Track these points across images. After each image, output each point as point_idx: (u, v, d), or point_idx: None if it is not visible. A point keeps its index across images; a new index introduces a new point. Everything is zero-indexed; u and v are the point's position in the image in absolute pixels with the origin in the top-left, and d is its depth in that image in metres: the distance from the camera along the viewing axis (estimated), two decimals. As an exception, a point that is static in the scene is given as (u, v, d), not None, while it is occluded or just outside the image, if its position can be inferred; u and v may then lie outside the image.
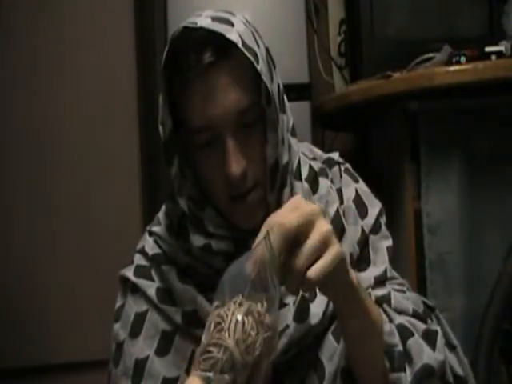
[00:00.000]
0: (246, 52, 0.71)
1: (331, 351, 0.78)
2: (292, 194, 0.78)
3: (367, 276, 0.82)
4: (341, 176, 0.89)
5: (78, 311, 2.01)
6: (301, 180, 0.82)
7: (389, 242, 0.87)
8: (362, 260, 0.84)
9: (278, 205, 0.74)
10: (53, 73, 2.05)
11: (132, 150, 2.12)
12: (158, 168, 1.99)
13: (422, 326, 0.77)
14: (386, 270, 0.84)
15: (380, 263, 0.85)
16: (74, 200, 2.06)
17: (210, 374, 0.54)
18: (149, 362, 0.81)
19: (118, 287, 0.89)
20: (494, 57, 1.40)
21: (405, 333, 0.74)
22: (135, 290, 0.85)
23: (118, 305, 0.88)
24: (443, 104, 1.44)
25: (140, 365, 0.81)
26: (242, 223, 0.77)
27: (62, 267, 2.03)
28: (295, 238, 0.60)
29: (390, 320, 0.75)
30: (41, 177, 2.04)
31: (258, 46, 0.75)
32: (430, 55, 1.46)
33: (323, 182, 0.85)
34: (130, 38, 2.13)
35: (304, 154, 0.88)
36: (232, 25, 0.73)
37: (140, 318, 0.84)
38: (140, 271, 0.86)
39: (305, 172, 0.84)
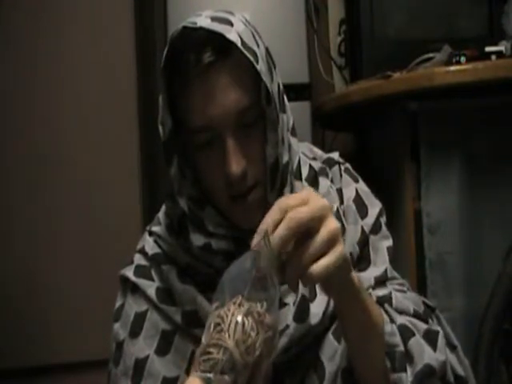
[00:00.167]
0: (245, 52, 0.71)
1: (332, 351, 0.78)
2: (292, 193, 0.78)
3: (367, 276, 0.82)
4: (341, 176, 0.89)
5: (78, 311, 2.01)
6: (301, 180, 0.82)
7: (389, 242, 0.87)
8: (362, 260, 0.84)
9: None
10: (53, 73, 2.05)
11: (132, 150, 2.12)
12: (158, 168, 1.99)
13: (423, 326, 0.77)
14: (386, 270, 0.84)
15: (380, 263, 0.85)
16: (74, 200, 2.06)
17: (211, 375, 0.54)
18: (149, 362, 0.81)
19: (117, 287, 0.89)
20: (493, 57, 1.40)
21: (406, 333, 0.74)
22: (135, 289, 0.85)
23: (117, 304, 0.88)
24: (443, 104, 1.44)
25: (140, 364, 0.81)
26: (242, 223, 0.77)
27: (62, 267, 2.03)
28: (306, 230, 0.59)
29: (392, 320, 0.75)
30: (41, 177, 2.04)
31: (258, 45, 0.75)
32: (430, 55, 1.46)
33: (323, 182, 0.85)
34: (130, 38, 2.13)
35: (304, 153, 0.88)
36: (231, 25, 0.73)
37: (140, 318, 0.84)
38: (140, 271, 0.86)
39: (305, 172, 0.84)
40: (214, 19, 0.73)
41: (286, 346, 0.75)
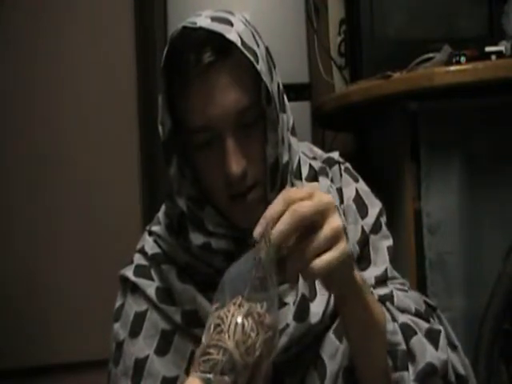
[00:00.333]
0: (245, 52, 0.71)
1: (333, 350, 0.77)
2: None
3: (368, 276, 0.82)
4: (341, 175, 0.89)
5: (78, 311, 2.01)
6: (301, 179, 0.82)
7: (389, 242, 0.87)
8: (362, 260, 0.84)
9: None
10: (53, 73, 2.05)
11: (132, 150, 2.12)
12: (158, 168, 1.99)
13: (424, 325, 0.76)
14: (386, 270, 0.84)
15: (381, 263, 0.85)
16: (74, 200, 2.06)
17: (210, 376, 0.54)
18: (148, 362, 0.81)
19: (117, 287, 0.90)
20: (493, 57, 1.40)
21: (408, 332, 0.74)
22: (135, 289, 0.85)
23: (117, 304, 0.88)
24: (443, 104, 1.44)
25: (140, 364, 0.81)
26: (242, 222, 0.77)
27: (62, 267, 2.03)
28: (309, 224, 0.59)
29: (393, 319, 0.75)
30: (41, 177, 2.04)
31: (258, 45, 0.75)
32: (430, 55, 1.46)
33: (323, 182, 0.85)
34: (130, 38, 2.13)
35: (304, 153, 0.88)
36: (231, 25, 0.73)
37: (140, 318, 0.84)
38: (140, 271, 0.86)
39: (305, 171, 0.84)
40: (213, 19, 0.73)
41: (286, 345, 0.75)
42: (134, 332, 0.83)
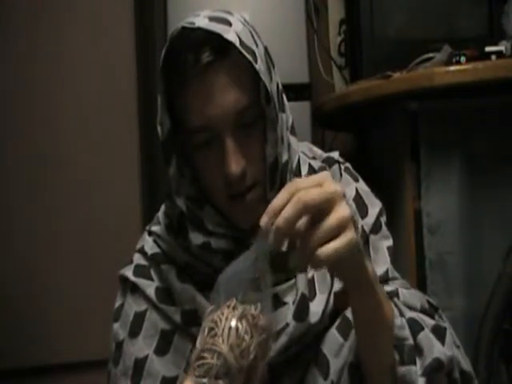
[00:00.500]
0: (244, 51, 0.71)
1: (336, 347, 0.77)
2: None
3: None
4: (341, 175, 0.89)
5: (78, 311, 2.01)
6: (301, 179, 0.81)
7: (389, 242, 0.87)
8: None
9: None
10: (52, 73, 2.05)
11: (132, 149, 2.12)
12: (158, 168, 1.99)
13: (431, 322, 0.76)
14: (387, 271, 0.84)
15: (381, 263, 0.84)
16: (74, 200, 2.06)
17: (205, 380, 0.54)
18: (148, 362, 0.81)
19: (117, 287, 0.90)
20: (493, 57, 1.40)
21: (415, 327, 0.73)
22: (134, 289, 0.85)
23: (117, 304, 0.88)
24: (443, 104, 1.44)
25: (139, 364, 0.81)
26: (241, 222, 0.77)
27: (62, 267, 2.03)
28: (316, 212, 0.59)
29: (401, 314, 0.74)
30: (41, 177, 2.04)
31: (257, 45, 0.75)
32: (430, 55, 1.46)
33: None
34: (130, 38, 2.13)
35: (304, 152, 0.88)
36: (230, 24, 0.73)
37: (139, 318, 0.84)
38: (139, 271, 0.86)
39: (304, 171, 0.84)
40: (212, 19, 0.73)
41: (285, 344, 0.75)
42: (134, 332, 0.83)
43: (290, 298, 0.78)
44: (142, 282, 0.85)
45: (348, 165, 0.92)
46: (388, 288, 0.80)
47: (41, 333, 1.99)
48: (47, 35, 2.05)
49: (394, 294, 0.79)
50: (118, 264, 0.91)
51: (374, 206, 0.88)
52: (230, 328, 0.55)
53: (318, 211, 0.59)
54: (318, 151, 0.93)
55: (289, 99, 0.82)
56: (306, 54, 1.88)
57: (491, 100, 1.43)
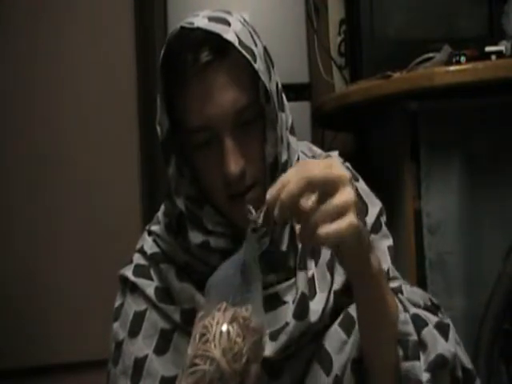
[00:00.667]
0: (243, 51, 0.71)
1: (339, 343, 0.77)
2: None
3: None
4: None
5: (78, 311, 2.01)
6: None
7: (389, 242, 0.87)
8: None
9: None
10: (52, 73, 2.05)
11: (132, 150, 2.12)
12: (158, 168, 1.99)
13: (434, 319, 0.76)
14: (388, 271, 0.84)
15: (382, 263, 0.84)
16: (74, 200, 2.06)
17: None
18: (148, 361, 0.81)
19: (117, 287, 0.90)
20: (493, 57, 1.39)
21: (419, 322, 0.73)
22: (134, 289, 0.86)
23: (117, 304, 0.88)
24: (443, 104, 1.44)
25: (139, 364, 0.81)
26: (241, 222, 0.76)
27: (62, 267, 2.03)
28: (321, 193, 0.58)
29: (405, 309, 0.74)
30: (41, 177, 2.04)
31: (256, 44, 0.75)
32: (430, 55, 1.46)
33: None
34: (130, 38, 2.13)
35: (303, 152, 0.88)
36: (229, 24, 0.73)
37: (139, 317, 0.84)
38: (139, 270, 0.86)
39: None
40: (211, 19, 0.73)
41: (285, 343, 0.75)
42: (134, 331, 0.83)
43: (289, 297, 0.78)
44: (141, 281, 0.85)
45: (348, 164, 0.92)
46: (392, 284, 0.80)
47: (41, 333, 1.99)
48: (47, 35, 2.05)
49: (397, 290, 0.79)
50: (118, 264, 0.91)
51: (374, 206, 0.88)
52: (222, 332, 0.54)
53: (324, 192, 0.58)
54: (318, 150, 0.93)
55: (289, 99, 0.82)
56: (305, 53, 1.88)
57: (491, 100, 1.43)
